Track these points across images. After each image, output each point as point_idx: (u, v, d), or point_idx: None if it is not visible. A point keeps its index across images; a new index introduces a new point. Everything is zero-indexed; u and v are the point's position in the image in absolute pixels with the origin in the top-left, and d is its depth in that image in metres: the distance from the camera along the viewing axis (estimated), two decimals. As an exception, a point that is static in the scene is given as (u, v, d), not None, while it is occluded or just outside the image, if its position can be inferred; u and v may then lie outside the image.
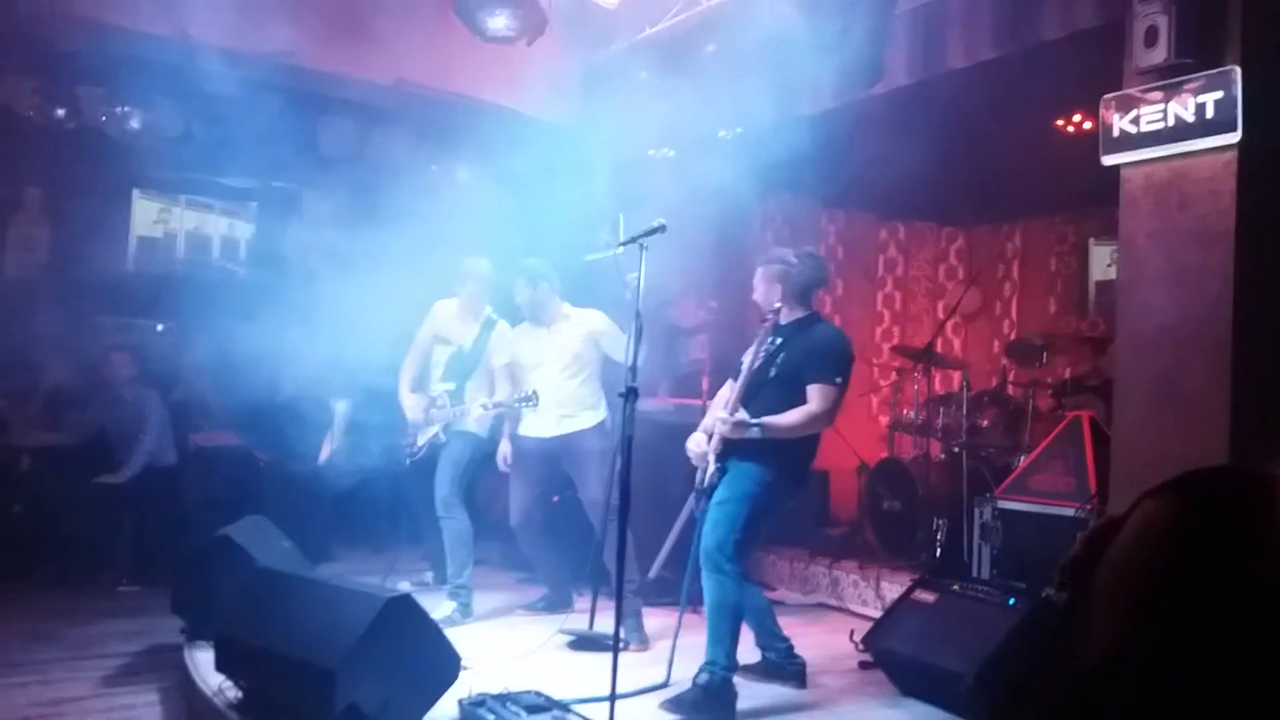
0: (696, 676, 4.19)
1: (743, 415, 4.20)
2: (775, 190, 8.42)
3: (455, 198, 7.83)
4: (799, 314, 4.47)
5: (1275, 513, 0.76)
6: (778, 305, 4.43)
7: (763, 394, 4.29)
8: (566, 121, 6.96)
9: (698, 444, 4.43)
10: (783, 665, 4.62)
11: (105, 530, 6.68)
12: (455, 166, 8.05)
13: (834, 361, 4.30)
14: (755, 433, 4.20)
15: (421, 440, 5.74)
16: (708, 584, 4.24)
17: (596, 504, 5.34)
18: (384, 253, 6.70)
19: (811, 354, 4.28)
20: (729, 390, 4.54)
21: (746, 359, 4.44)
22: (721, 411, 4.27)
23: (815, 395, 4.22)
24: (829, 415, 4.28)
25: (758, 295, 4.56)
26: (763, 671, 4.62)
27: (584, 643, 5.05)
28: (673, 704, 4.15)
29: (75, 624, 5.71)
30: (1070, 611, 0.87)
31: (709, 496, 4.32)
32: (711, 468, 4.30)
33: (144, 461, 6.79)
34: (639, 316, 3.99)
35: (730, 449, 4.29)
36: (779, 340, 4.40)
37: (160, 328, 9.03)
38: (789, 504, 4.73)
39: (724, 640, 4.21)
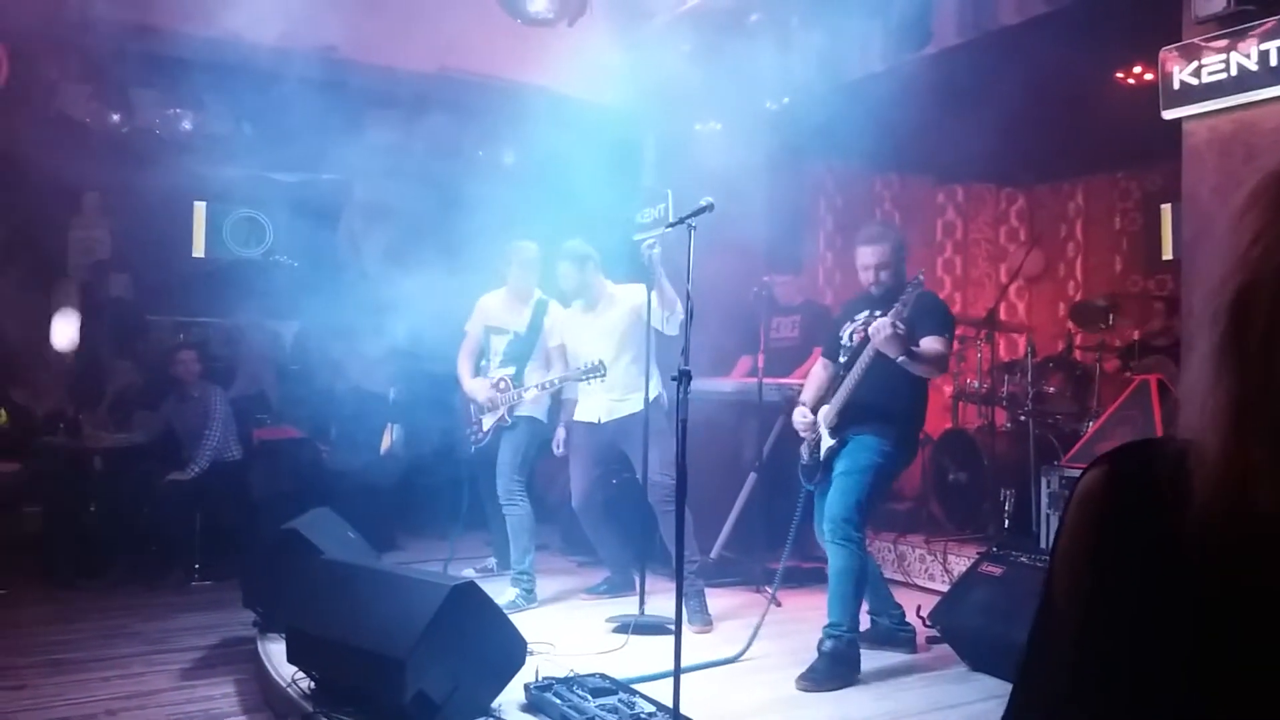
0: (821, 645, 4.31)
1: (898, 330, 4.21)
2: (826, 157, 8.27)
3: (503, 181, 7.85)
4: (894, 281, 4.66)
5: (1182, 477, 0.80)
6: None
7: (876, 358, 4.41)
8: (611, 100, 6.91)
9: (804, 417, 4.65)
10: (895, 632, 4.83)
11: (176, 526, 6.80)
12: (501, 150, 8.05)
13: (943, 318, 4.59)
14: (903, 360, 4.27)
15: (487, 425, 5.74)
16: (834, 552, 4.39)
17: (655, 485, 5.23)
18: (436, 239, 6.74)
19: (922, 313, 4.44)
20: (820, 366, 4.84)
21: (847, 331, 4.68)
22: (882, 320, 4.23)
23: (934, 343, 4.41)
24: (946, 360, 4.66)
25: (871, 272, 4.69)
26: (873, 638, 4.75)
27: (640, 628, 4.97)
28: (806, 678, 4.24)
29: (151, 619, 5.84)
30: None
31: (825, 470, 4.53)
32: (827, 441, 4.53)
33: (210, 457, 6.89)
34: (689, 299, 3.94)
35: (847, 421, 4.50)
36: (878, 311, 4.52)
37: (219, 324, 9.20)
38: (901, 474, 4.98)
39: (849, 605, 4.36)
